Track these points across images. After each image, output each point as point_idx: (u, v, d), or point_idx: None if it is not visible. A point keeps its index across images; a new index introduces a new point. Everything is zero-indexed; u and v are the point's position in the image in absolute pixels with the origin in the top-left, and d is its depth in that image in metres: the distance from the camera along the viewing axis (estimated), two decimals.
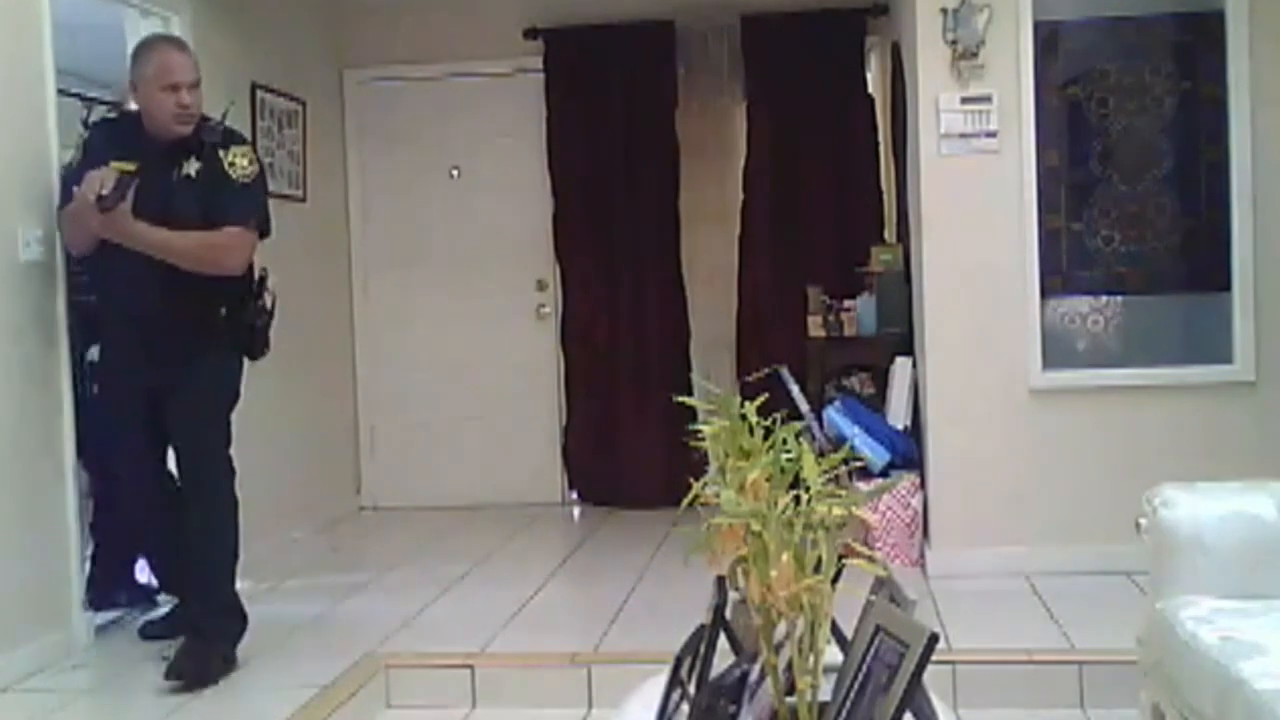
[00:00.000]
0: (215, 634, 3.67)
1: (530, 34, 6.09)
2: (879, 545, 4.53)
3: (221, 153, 3.66)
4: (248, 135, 4.88)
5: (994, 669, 3.45)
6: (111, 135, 3.78)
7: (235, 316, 3.76)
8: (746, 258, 6.00)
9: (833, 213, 5.87)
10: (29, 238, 3.71)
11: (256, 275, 3.82)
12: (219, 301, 3.72)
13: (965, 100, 4.45)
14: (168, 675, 3.50)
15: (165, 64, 3.63)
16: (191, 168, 3.65)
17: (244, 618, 3.77)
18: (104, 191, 3.43)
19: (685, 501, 1.85)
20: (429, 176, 6.33)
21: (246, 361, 3.86)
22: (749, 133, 6.03)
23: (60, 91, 3.99)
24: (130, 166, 3.48)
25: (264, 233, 3.79)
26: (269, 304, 3.86)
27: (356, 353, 6.40)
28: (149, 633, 4.03)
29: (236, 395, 3.84)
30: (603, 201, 6.06)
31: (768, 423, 1.85)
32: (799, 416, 3.09)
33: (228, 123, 3.75)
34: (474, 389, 6.33)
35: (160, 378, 3.69)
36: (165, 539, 3.88)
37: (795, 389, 3.49)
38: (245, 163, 3.68)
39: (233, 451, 3.78)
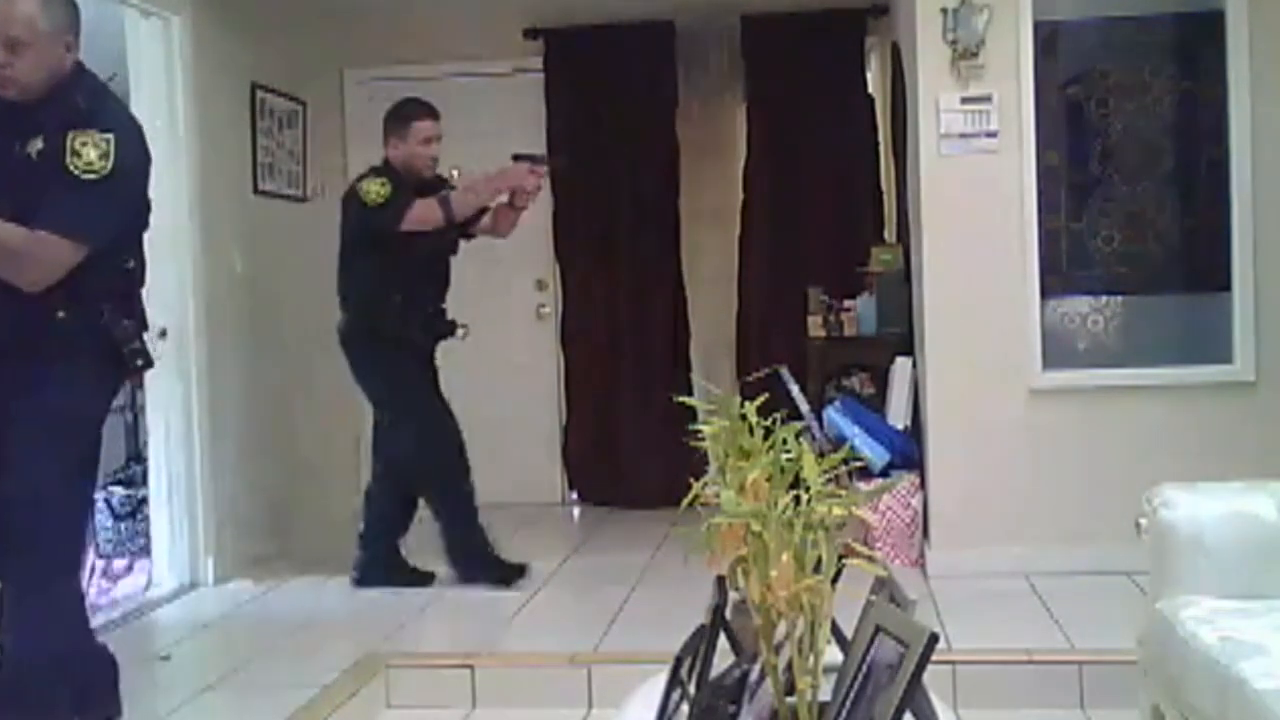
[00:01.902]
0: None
1: (530, 34, 6.08)
2: (879, 545, 4.53)
3: (71, 135, 2.85)
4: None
5: (994, 669, 3.45)
6: None
7: (80, 319, 2.96)
8: (746, 258, 5.99)
9: (833, 213, 5.86)
10: None
11: (127, 266, 3.08)
12: (56, 299, 2.91)
13: (965, 100, 4.45)
14: None
15: None
16: (34, 147, 2.88)
17: (113, 663, 3.15)
18: None
19: (685, 501, 1.85)
20: None
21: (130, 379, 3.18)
22: (749, 133, 6.03)
23: None
24: None
25: (112, 249, 2.97)
26: (139, 306, 3.10)
27: None
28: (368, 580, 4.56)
29: (80, 422, 3.03)
30: (603, 201, 6.06)
31: (768, 423, 1.85)
32: (799, 416, 3.09)
33: (110, 96, 3.05)
34: (473, 389, 6.30)
35: None
36: None
37: (795, 389, 3.51)
38: (93, 154, 2.85)
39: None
